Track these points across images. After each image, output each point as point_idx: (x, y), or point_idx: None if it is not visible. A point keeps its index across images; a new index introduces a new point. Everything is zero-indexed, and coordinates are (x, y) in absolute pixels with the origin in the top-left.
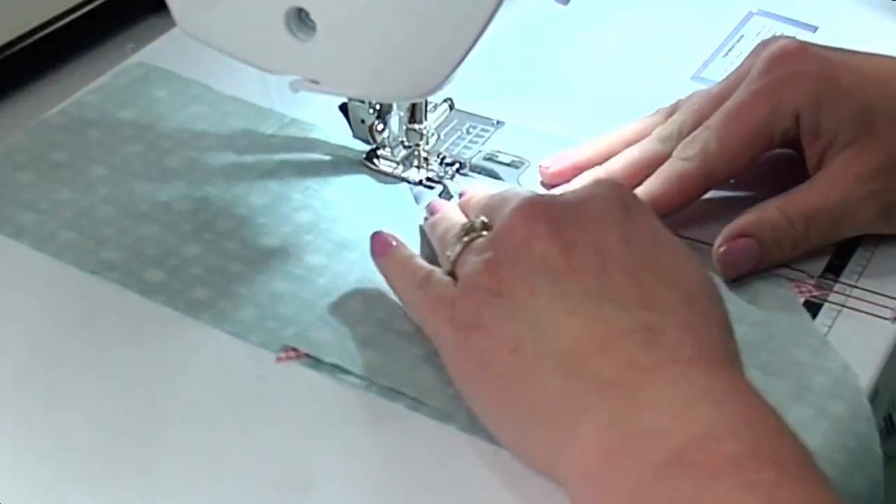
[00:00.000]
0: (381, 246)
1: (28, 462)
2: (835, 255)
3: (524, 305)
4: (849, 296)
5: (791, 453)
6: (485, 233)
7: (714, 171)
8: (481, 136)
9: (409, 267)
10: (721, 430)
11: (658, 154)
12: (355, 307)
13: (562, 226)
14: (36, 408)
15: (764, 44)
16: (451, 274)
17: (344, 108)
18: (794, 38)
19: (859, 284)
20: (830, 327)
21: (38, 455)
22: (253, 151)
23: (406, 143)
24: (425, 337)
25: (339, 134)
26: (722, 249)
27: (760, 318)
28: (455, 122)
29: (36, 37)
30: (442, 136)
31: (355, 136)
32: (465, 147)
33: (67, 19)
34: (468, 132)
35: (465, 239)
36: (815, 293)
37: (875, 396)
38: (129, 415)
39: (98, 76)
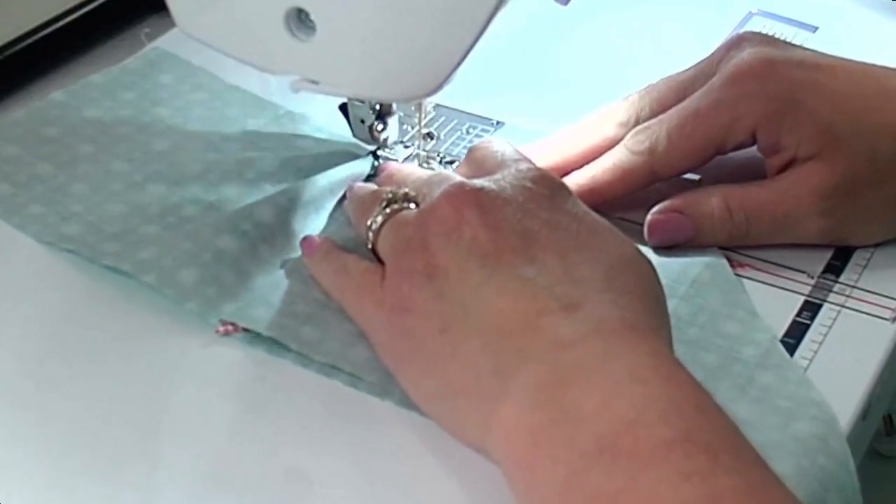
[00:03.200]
0: (309, 248)
1: (25, 463)
2: (835, 255)
3: (454, 287)
4: (849, 296)
5: (723, 439)
6: (409, 205)
7: (659, 170)
8: (481, 137)
9: (330, 257)
10: (650, 414)
11: (612, 139)
12: (294, 286)
13: (490, 212)
14: (32, 407)
15: (737, 42)
16: (373, 246)
17: (344, 108)
18: (767, 38)
19: (859, 284)
20: (830, 327)
21: (36, 455)
22: (240, 141)
23: (406, 144)
24: None
25: (329, 128)
26: (654, 217)
27: (691, 292)
28: (455, 122)
29: (36, 37)
30: (442, 136)
31: (355, 136)
32: (465, 147)
33: (68, 19)
34: (468, 132)
35: (388, 210)
36: (815, 293)
37: (874, 397)
38: (128, 414)
39: None
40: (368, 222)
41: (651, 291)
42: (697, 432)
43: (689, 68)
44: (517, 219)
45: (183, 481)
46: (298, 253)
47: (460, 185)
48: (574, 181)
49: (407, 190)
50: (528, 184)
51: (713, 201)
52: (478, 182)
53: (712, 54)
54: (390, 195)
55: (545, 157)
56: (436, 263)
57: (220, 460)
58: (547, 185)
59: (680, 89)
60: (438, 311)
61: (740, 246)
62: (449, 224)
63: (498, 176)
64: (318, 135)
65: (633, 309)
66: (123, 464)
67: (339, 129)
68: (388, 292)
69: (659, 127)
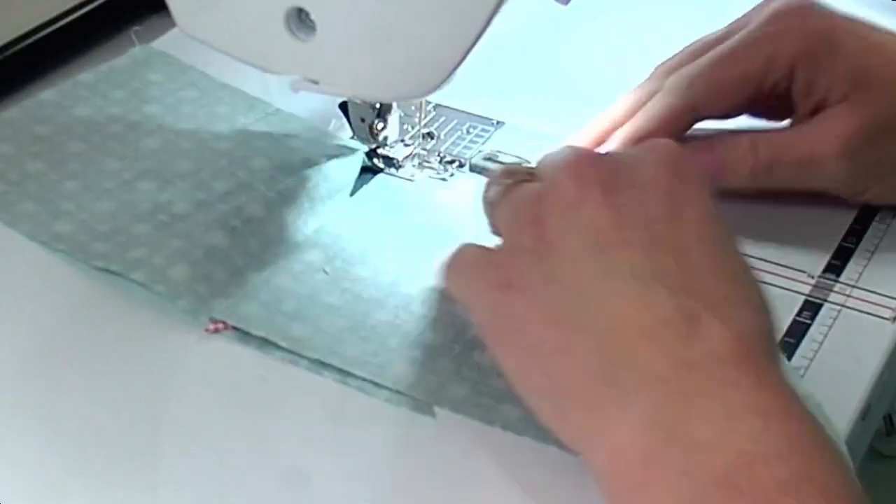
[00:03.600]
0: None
1: (25, 462)
2: (835, 255)
3: (567, 272)
4: (849, 296)
5: (837, 482)
6: (530, 178)
7: (699, 105)
8: (481, 136)
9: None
10: (769, 450)
11: (654, 92)
12: (284, 283)
13: (613, 192)
14: (31, 406)
15: (768, 1)
16: (491, 220)
17: (344, 108)
18: None
19: (859, 284)
20: (830, 327)
21: (36, 455)
22: (231, 139)
23: (406, 143)
24: (352, 310)
25: (321, 127)
26: None
27: None
28: (455, 121)
29: (35, 37)
30: (442, 136)
31: (355, 134)
32: (465, 147)
33: (67, 19)
34: (468, 132)
35: (507, 182)
36: (815, 293)
37: (874, 397)
38: (128, 414)
39: None
40: (486, 194)
41: (762, 302)
42: (817, 472)
43: (723, 28)
44: (641, 205)
45: (183, 481)
46: (288, 248)
47: (583, 158)
48: (622, 134)
49: (527, 163)
50: (655, 161)
51: (740, 137)
52: (600, 155)
53: (745, 14)
54: (509, 169)
55: (597, 123)
56: (548, 240)
57: (220, 460)
58: (675, 163)
59: (715, 43)
60: (546, 295)
61: (765, 193)
62: (568, 199)
63: (623, 152)
64: (309, 134)
65: (753, 326)
66: (123, 464)
67: (333, 130)
68: (495, 268)
69: (697, 67)
